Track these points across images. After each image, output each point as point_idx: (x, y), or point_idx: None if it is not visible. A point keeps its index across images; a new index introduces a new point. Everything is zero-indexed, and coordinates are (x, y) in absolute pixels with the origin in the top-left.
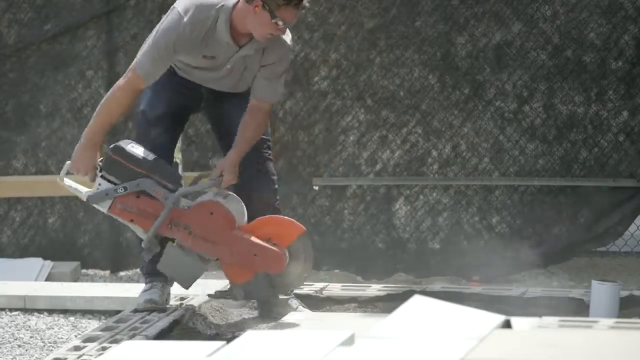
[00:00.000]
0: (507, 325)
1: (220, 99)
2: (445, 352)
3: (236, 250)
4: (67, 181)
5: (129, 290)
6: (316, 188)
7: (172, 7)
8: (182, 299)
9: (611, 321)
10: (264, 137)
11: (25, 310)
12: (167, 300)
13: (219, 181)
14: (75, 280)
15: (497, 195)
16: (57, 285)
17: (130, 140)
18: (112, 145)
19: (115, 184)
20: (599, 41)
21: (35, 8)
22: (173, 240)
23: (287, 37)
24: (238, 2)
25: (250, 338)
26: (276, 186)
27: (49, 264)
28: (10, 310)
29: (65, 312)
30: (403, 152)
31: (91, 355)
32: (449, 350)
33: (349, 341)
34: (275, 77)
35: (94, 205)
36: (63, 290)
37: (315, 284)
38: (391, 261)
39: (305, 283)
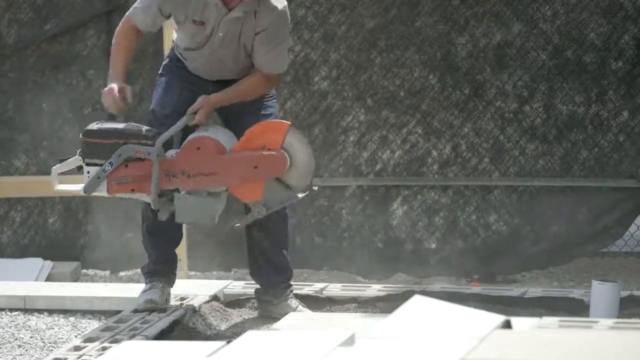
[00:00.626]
0: (507, 325)
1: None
2: (445, 352)
3: (236, 171)
4: (60, 187)
5: (129, 290)
6: (315, 188)
7: None
8: (182, 299)
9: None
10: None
11: (26, 311)
12: (168, 300)
13: (191, 118)
14: (75, 280)
15: (496, 195)
16: (57, 285)
17: (97, 121)
18: (82, 131)
19: (99, 165)
20: (599, 41)
21: (35, 8)
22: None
23: (279, 2)
24: None
25: (250, 338)
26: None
27: (49, 264)
28: (11, 310)
29: (65, 312)
30: (403, 153)
31: (91, 356)
32: (449, 350)
33: (349, 341)
34: (272, 45)
35: (95, 195)
36: (63, 290)
37: (315, 284)
38: (390, 261)
39: (305, 282)
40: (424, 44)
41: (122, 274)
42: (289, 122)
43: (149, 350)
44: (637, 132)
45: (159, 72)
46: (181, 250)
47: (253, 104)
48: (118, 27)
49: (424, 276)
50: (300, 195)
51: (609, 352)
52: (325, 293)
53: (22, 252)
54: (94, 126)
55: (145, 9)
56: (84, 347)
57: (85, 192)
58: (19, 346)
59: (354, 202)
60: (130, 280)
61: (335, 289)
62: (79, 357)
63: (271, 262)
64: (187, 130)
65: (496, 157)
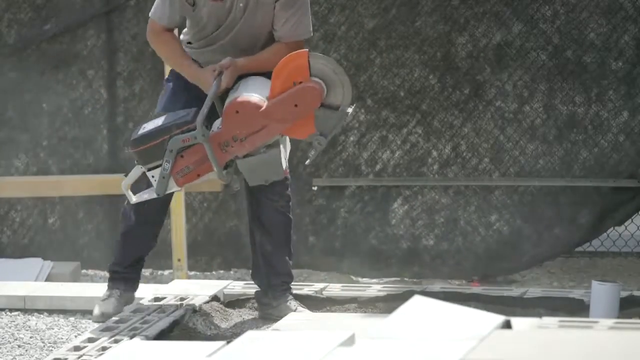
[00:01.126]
0: (507, 325)
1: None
2: (445, 353)
3: (281, 117)
4: (136, 198)
5: None
6: (315, 188)
7: None
8: (182, 299)
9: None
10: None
11: (25, 311)
12: (129, 302)
13: (218, 85)
14: (75, 280)
15: (497, 195)
16: (57, 285)
17: (135, 128)
18: (129, 144)
19: (159, 165)
20: (599, 41)
21: (35, 8)
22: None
23: None
24: None
25: (250, 338)
26: (289, 189)
27: (49, 264)
28: (10, 310)
29: (65, 312)
30: (403, 153)
31: (91, 356)
32: (448, 351)
33: (349, 341)
34: (293, 10)
35: (170, 192)
36: (63, 290)
37: (315, 284)
38: (391, 261)
39: (305, 283)
40: (424, 44)
41: None
42: (306, 50)
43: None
44: (637, 132)
45: (166, 77)
46: (181, 250)
47: None
48: (149, 34)
49: (424, 277)
50: (349, 110)
51: (609, 352)
52: (325, 293)
53: (22, 252)
54: (136, 134)
55: (165, 4)
56: (84, 347)
57: (158, 195)
58: (19, 346)
59: (353, 202)
60: None
61: (335, 289)
62: (79, 357)
63: (272, 266)
64: (224, 95)
65: (496, 157)
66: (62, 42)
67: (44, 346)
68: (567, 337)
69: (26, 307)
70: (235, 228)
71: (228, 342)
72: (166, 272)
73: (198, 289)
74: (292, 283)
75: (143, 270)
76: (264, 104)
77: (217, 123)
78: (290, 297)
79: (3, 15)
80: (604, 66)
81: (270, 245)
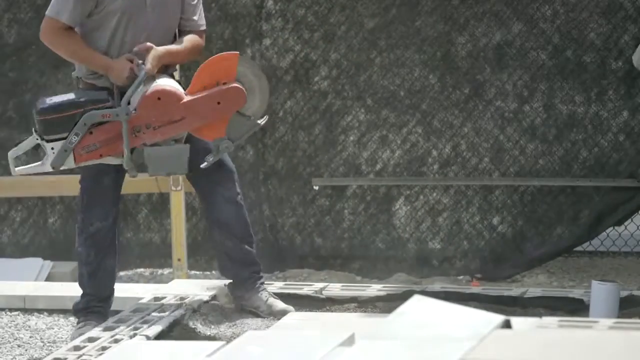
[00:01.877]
0: (507, 325)
1: None
2: (445, 352)
3: (201, 112)
4: (20, 169)
5: (129, 290)
6: (316, 188)
7: None
8: (182, 299)
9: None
10: None
11: (25, 310)
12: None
13: (146, 71)
14: (75, 280)
15: (497, 195)
16: (57, 285)
17: (43, 97)
18: (35, 111)
19: (63, 138)
20: (599, 41)
21: (35, 7)
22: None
23: None
24: None
25: (250, 338)
26: (236, 177)
27: (49, 264)
28: (10, 310)
29: (65, 312)
30: (403, 152)
31: (91, 356)
32: (448, 351)
33: (349, 341)
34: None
35: (62, 168)
36: (63, 290)
37: (315, 284)
38: (391, 261)
39: (305, 282)
40: (424, 43)
41: (121, 273)
42: (237, 52)
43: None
44: (637, 132)
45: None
46: (181, 250)
47: None
48: (47, 34)
49: (425, 276)
50: (260, 122)
51: (609, 352)
52: (325, 293)
53: (22, 251)
54: (45, 103)
55: (72, 1)
56: (84, 347)
57: (53, 168)
58: (19, 346)
59: (355, 202)
60: (130, 280)
61: (335, 288)
62: (78, 357)
63: (237, 260)
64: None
65: (496, 157)
66: None
67: (43, 346)
68: (567, 337)
69: (26, 307)
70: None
71: (228, 342)
72: (166, 272)
73: (198, 289)
74: (292, 282)
75: (143, 270)
76: (185, 97)
77: (131, 107)
78: (262, 287)
79: (3, 15)
80: (603, 66)
81: (231, 240)
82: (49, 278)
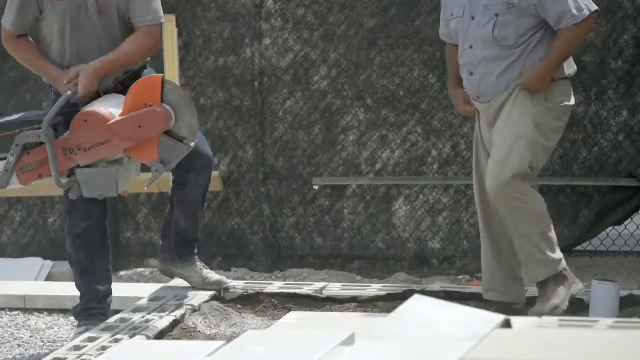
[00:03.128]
0: (507, 325)
1: None
2: (445, 352)
3: (124, 134)
4: None
5: (129, 290)
6: (316, 188)
7: None
8: (182, 298)
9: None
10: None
11: (25, 310)
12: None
13: (75, 90)
14: None
15: None
16: (57, 285)
17: None
18: None
19: (4, 158)
20: (598, 41)
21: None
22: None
23: None
24: None
25: (250, 338)
26: (213, 164)
27: (48, 263)
28: (10, 310)
29: (65, 311)
30: (403, 152)
31: (91, 355)
32: (448, 350)
33: (349, 341)
34: None
35: (9, 188)
36: (63, 290)
37: (315, 283)
38: (391, 261)
39: (305, 282)
40: (423, 43)
41: (122, 273)
42: (162, 74)
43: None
44: (637, 132)
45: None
46: None
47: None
48: (4, 42)
49: (425, 276)
50: (192, 144)
51: (609, 351)
52: (325, 293)
53: (22, 251)
54: None
55: (17, 10)
56: (84, 346)
57: (2, 188)
58: (19, 346)
59: (355, 202)
60: (129, 280)
61: (335, 288)
62: (79, 357)
63: (183, 238)
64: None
65: None
66: None
67: (43, 345)
68: (567, 337)
69: (26, 307)
70: (235, 227)
71: (228, 342)
72: None
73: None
74: (292, 282)
75: (143, 269)
76: (112, 119)
77: (50, 130)
78: (196, 258)
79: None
80: (603, 65)
81: (185, 220)
82: (49, 278)
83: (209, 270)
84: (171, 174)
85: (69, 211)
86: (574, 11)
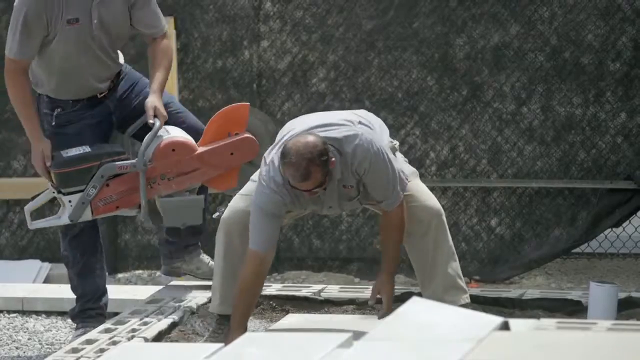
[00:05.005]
0: (505, 327)
1: (123, 101)
2: (443, 354)
3: (215, 162)
4: (37, 224)
5: (127, 292)
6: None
7: None
8: (180, 300)
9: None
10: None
11: (23, 312)
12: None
13: (160, 124)
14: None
15: (495, 196)
16: (55, 287)
17: (58, 151)
18: (50, 165)
19: (80, 191)
20: (596, 43)
21: None
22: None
23: None
24: None
25: (248, 339)
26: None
27: (47, 265)
28: (8, 312)
29: (63, 314)
30: (401, 154)
31: (89, 357)
32: (447, 352)
33: (348, 343)
34: (152, 4)
35: (80, 221)
36: (61, 292)
37: (314, 285)
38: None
39: (303, 284)
40: (422, 45)
41: (119, 275)
42: (248, 103)
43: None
44: (635, 134)
45: (52, 124)
46: None
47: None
48: (8, 74)
49: None
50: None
51: (607, 353)
52: (323, 295)
53: (20, 253)
54: (61, 157)
55: (22, 38)
56: (82, 349)
57: (71, 221)
58: (17, 348)
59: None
60: (127, 282)
61: (333, 290)
62: (77, 359)
63: (186, 243)
64: (142, 132)
65: (494, 159)
66: None
67: (41, 348)
68: (565, 339)
69: (24, 309)
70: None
71: (226, 344)
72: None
73: (196, 291)
74: (291, 284)
75: (141, 272)
76: (198, 148)
77: (145, 159)
78: (201, 250)
79: (2, 16)
80: (601, 67)
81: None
82: (47, 280)
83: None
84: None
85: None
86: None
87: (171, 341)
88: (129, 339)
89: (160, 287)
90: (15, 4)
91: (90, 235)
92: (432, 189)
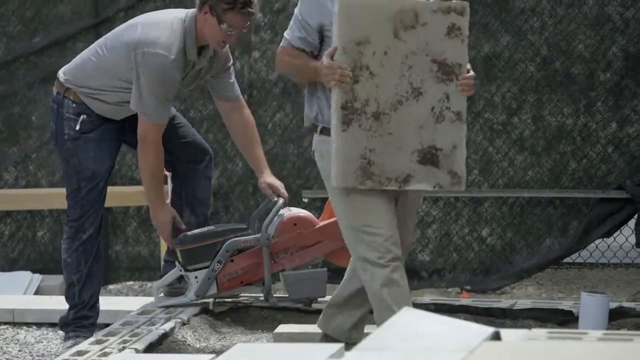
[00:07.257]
0: (496, 337)
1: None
2: None
3: (336, 235)
4: (165, 303)
5: (118, 303)
6: (306, 200)
7: (136, 46)
8: (171, 312)
9: (600, 333)
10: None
11: (14, 324)
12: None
13: (282, 202)
14: (64, 293)
15: (486, 207)
16: (46, 298)
17: (185, 232)
18: (177, 242)
19: (205, 267)
20: (587, 53)
21: (24, 21)
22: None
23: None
24: (194, 15)
25: (240, 351)
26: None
27: (37, 277)
28: None
29: (54, 325)
30: None
31: None
32: None
33: (339, 353)
34: (231, 72)
35: (207, 296)
36: (52, 303)
37: None
38: None
39: None
40: None
41: (111, 287)
42: None
43: None
44: (625, 144)
45: (76, 129)
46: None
47: None
48: (152, 142)
49: (415, 288)
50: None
51: None
52: (315, 306)
53: (10, 265)
54: (186, 236)
55: (163, 106)
56: None
57: (198, 296)
58: None
59: None
60: (119, 293)
61: (324, 301)
62: None
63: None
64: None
65: (485, 169)
66: (51, 55)
67: (32, 359)
68: (556, 349)
69: (15, 321)
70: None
71: (217, 355)
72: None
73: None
74: (281, 295)
75: (132, 283)
76: (318, 222)
77: (269, 234)
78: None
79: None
80: (592, 77)
81: (197, 213)
82: (37, 291)
83: None
84: (169, 177)
85: (78, 218)
86: None
87: (162, 352)
88: (119, 350)
89: (151, 298)
90: (149, 68)
91: (95, 242)
92: (423, 199)
